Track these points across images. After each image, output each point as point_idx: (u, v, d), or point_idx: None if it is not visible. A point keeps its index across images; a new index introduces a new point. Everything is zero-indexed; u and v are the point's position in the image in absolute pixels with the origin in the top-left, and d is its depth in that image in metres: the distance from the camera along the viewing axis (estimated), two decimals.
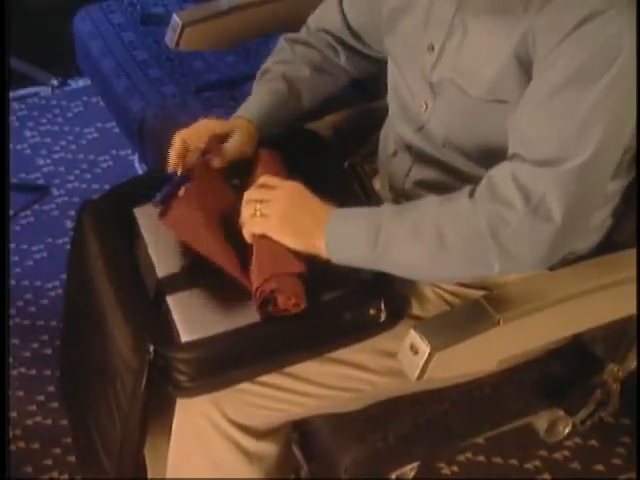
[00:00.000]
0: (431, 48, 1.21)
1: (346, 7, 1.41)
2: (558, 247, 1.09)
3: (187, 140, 1.26)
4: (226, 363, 1.14)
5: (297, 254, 1.15)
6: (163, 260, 1.22)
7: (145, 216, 1.28)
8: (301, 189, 1.18)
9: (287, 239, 1.15)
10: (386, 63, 1.36)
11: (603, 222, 1.25)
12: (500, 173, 1.09)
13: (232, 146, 1.28)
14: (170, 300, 1.17)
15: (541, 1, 1.07)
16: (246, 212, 1.17)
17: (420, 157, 1.28)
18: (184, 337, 1.13)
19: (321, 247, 1.15)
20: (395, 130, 1.33)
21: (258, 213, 1.16)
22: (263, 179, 1.20)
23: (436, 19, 1.20)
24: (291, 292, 1.11)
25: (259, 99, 1.37)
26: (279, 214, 1.15)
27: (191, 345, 1.12)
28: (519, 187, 1.06)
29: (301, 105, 1.40)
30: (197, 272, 1.20)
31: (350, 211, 1.17)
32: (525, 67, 1.10)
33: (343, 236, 1.15)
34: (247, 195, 1.19)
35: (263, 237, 1.16)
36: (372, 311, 1.16)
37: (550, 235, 1.06)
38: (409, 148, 1.30)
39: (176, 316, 1.15)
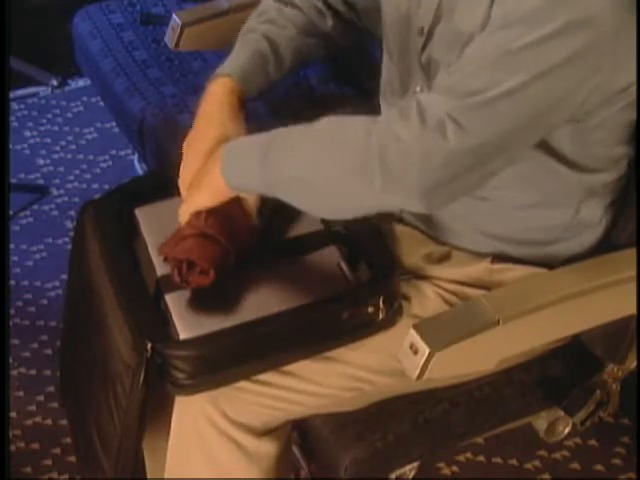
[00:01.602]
0: (420, 32, 1.20)
1: None
2: (444, 176, 1.04)
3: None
4: (224, 361, 1.14)
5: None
6: (163, 260, 1.22)
7: (145, 216, 1.29)
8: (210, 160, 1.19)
9: (205, 198, 1.18)
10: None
11: (597, 218, 1.25)
12: (409, 98, 1.08)
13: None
14: (169, 298, 1.17)
15: None
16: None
17: None
18: (182, 335, 1.13)
19: (219, 178, 1.15)
20: None
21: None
22: None
23: (426, 2, 1.19)
24: (200, 258, 1.13)
25: (241, 58, 1.33)
26: (196, 183, 1.19)
27: (189, 343, 1.13)
28: (420, 108, 1.04)
29: (282, 67, 1.36)
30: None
31: (244, 138, 1.18)
32: None
33: (237, 159, 1.15)
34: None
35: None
36: (370, 309, 1.16)
37: (440, 154, 1.02)
38: None
39: (174, 314, 1.15)
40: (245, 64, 1.32)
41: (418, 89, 1.23)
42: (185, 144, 1.28)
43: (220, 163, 1.15)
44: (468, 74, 1.04)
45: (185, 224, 1.19)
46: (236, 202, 1.19)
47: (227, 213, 1.18)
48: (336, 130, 1.10)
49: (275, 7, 1.39)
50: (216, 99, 1.28)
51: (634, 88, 1.09)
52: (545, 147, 1.14)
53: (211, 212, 1.18)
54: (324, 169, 1.08)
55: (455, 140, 1.02)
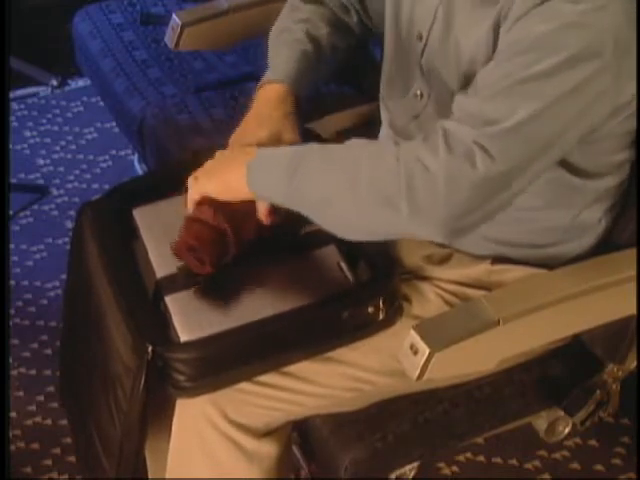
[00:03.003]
0: (419, 37, 1.21)
1: None
2: (470, 206, 1.04)
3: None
4: (225, 363, 1.14)
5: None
6: (162, 261, 1.22)
7: (144, 217, 1.28)
8: (227, 152, 1.20)
9: (211, 188, 1.17)
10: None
11: (597, 221, 1.25)
12: (434, 126, 1.08)
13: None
14: (168, 300, 1.17)
15: None
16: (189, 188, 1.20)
17: None
18: (183, 337, 1.13)
19: (243, 188, 1.14)
20: (393, 124, 1.33)
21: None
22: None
23: (423, 7, 1.20)
24: (203, 250, 1.15)
25: (288, 61, 1.32)
26: (206, 170, 1.19)
27: (190, 345, 1.12)
28: (446, 136, 1.04)
29: (325, 65, 1.38)
30: (194, 273, 1.19)
31: (269, 150, 1.16)
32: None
33: (266, 169, 1.14)
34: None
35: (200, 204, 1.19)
36: (371, 309, 1.16)
37: (468, 183, 1.02)
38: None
39: (174, 316, 1.15)
40: (294, 67, 1.31)
41: (418, 92, 1.23)
42: (232, 139, 1.27)
43: (248, 167, 1.14)
44: (484, 100, 1.05)
45: (194, 212, 1.19)
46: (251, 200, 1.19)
47: (240, 209, 1.18)
48: (366, 156, 1.09)
49: (305, 6, 1.39)
50: (270, 105, 1.28)
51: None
52: None
53: (222, 206, 1.17)
54: (352, 194, 1.07)
55: (484, 168, 1.02)
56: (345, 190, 1.08)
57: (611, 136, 1.15)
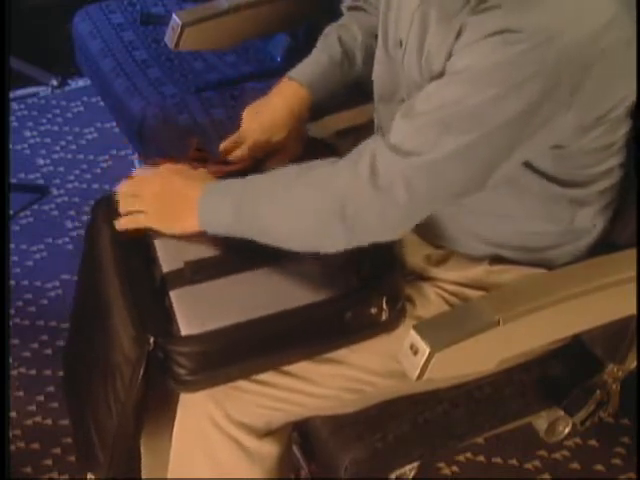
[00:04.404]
0: (400, 43, 1.21)
1: None
2: (402, 224, 1.12)
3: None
4: (225, 358, 1.14)
5: None
6: (168, 256, 1.22)
7: None
8: (170, 174, 1.24)
9: (163, 227, 1.23)
10: None
11: (592, 225, 1.24)
12: (367, 145, 1.10)
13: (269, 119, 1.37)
14: (173, 295, 1.18)
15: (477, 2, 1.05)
16: (122, 206, 1.25)
17: None
18: (184, 331, 1.13)
19: (194, 226, 1.19)
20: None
21: (135, 209, 1.24)
22: (137, 172, 1.31)
23: (404, 13, 1.20)
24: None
25: (313, 61, 1.43)
26: (154, 208, 1.23)
27: (191, 339, 1.13)
28: (372, 164, 1.07)
29: (354, 67, 1.44)
30: (201, 268, 1.20)
31: (217, 185, 1.21)
32: None
33: (212, 209, 1.18)
34: (121, 188, 1.27)
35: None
36: (374, 310, 1.16)
37: (395, 212, 1.08)
38: None
39: (177, 310, 1.16)
40: (315, 70, 1.41)
41: (402, 98, 1.24)
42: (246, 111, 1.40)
43: (197, 202, 1.18)
44: (416, 130, 1.06)
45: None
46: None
47: None
48: (302, 183, 1.14)
49: (347, 13, 1.48)
50: (284, 100, 1.40)
51: (617, 113, 1.09)
52: (527, 165, 1.14)
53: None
54: (293, 222, 1.13)
55: (407, 200, 1.06)
56: (285, 218, 1.14)
57: (587, 151, 1.14)
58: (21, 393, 1.89)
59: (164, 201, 1.23)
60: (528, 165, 1.14)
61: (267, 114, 1.39)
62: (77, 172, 2.46)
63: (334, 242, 1.12)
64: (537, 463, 1.77)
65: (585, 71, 1.01)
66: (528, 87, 1.00)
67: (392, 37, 1.25)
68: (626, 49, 1.04)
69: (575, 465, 1.77)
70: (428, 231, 1.28)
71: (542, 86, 1.00)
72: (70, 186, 2.42)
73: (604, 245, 1.26)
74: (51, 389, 1.89)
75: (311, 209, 1.12)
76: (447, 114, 1.04)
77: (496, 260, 1.26)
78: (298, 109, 1.40)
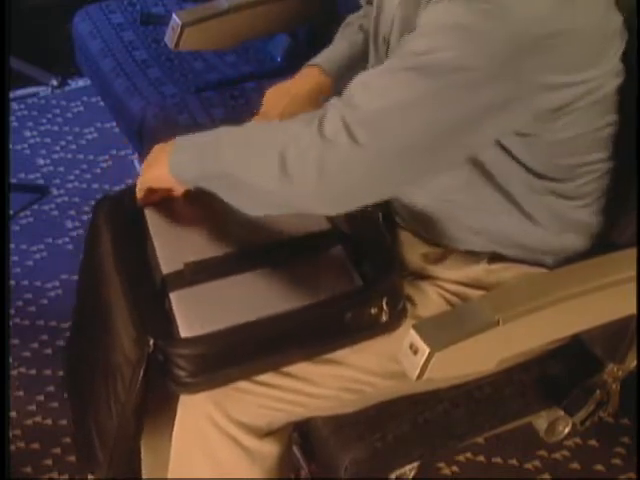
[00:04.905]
0: (384, 40, 1.22)
1: None
2: (342, 183, 1.05)
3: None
4: (225, 360, 1.14)
5: None
6: (169, 258, 1.22)
7: (154, 215, 1.29)
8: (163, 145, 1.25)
9: (148, 179, 1.26)
10: None
11: (585, 219, 1.24)
12: (327, 103, 1.10)
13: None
14: (173, 296, 1.18)
15: None
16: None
17: None
18: (183, 333, 1.13)
19: (166, 174, 1.21)
20: None
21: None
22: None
23: (388, 10, 1.21)
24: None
25: (334, 48, 1.45)
26: (146, 164, 1.27)
27: (191, 341, 1.13)
28: (323, 116, 1.06)
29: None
30: (201, 269, 1.20)
31: (188, 136, 1.22)
32: None
33: (185, 152, 1.19)
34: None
35: None
36: (374, 310, 1.16)
37: (335, 163, 1.04)
38: None
39: (177, 312, 1.16)
40: (336, 56, 1.43)
41: None
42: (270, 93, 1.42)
43: (168, 154, 1.20)
44: (366, 83, 1.06)
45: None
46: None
47: None
48: (261, 128, 1.17)
49: (366, 6, 1.48)
50: (305, 85, 1.41)
51: (581, 105, 1.08)
52: (504, 151, 1.14)
53: None
54: (245, 167, 1.12)
55: (348, 149, 1.03)
56: (239, 163, 1.12)
57: (560, 141, 1.13)
58: (21, 393, 1.89)
59: (151, 155, 1.26)
60: (505, 152, 1.13)
61: (288, 99, 1.40)
62: (77, 172, 2.46)
63: (274, 188, 1.09)
64: (537, 463, 1.77)
65: (531, 53, 1.00)
66: (485, 52, 1.00)
67: (381, 34, 1.26)
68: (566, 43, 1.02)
69: (575, 465, 1.77)
70: (423, 228, 1.29)
71: (495, 60, 1.00)
72: (70, 186, 2.42)
73: (604, 245, 1.27)
74: (51, 389, 1.89)
75: (264, 148, 1.10)
76: (398, 65, 1.04)
77: (495, 258, 1.26)
78: (319, 95, 1.40)
